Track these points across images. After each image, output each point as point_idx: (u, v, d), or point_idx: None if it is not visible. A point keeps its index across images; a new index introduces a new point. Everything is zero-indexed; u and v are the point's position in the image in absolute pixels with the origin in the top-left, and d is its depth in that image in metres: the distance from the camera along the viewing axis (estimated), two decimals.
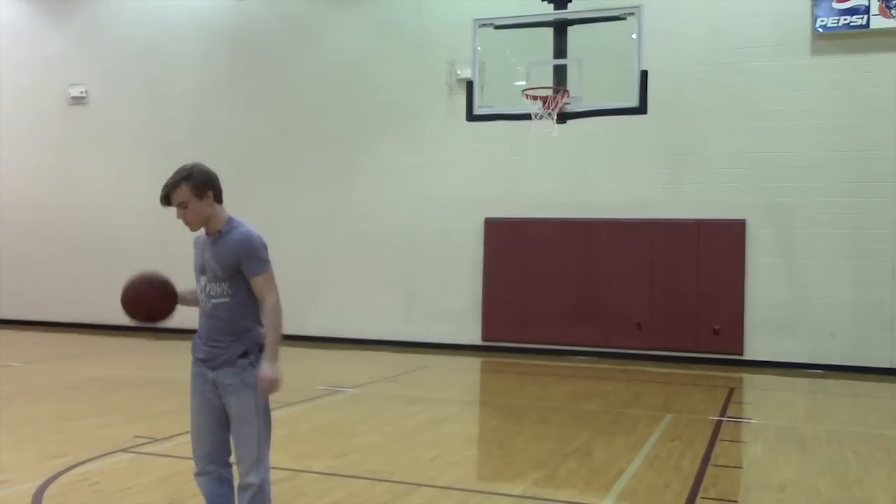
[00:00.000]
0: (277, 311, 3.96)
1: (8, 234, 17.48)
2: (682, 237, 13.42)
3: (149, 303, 4.01)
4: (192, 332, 4.13)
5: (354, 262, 15.21)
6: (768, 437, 7.90)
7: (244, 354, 3.95)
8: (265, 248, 3.97)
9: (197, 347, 4.06)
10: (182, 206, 3.89)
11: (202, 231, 4.06)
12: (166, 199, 3.94)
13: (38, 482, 5.68)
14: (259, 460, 3.95)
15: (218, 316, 3.96)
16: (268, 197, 15.00)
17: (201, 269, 4.01)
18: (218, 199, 3.98)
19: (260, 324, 4.00)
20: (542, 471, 6.44)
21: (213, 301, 3.97)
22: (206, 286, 3.99)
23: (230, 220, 4.01)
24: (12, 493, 5.47)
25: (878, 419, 9.55)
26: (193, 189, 3.88)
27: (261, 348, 4.02)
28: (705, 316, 13.18)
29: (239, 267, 3.93)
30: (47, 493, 5.47)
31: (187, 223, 3.95)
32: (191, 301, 4.14)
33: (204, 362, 3.98)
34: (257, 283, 3.94)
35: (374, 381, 11.01)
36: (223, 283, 3.94)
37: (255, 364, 3.96)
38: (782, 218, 13.04)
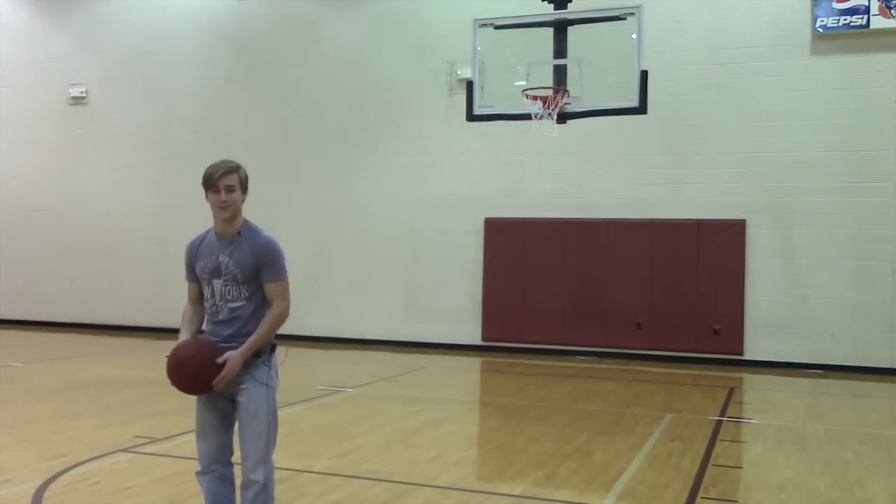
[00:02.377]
0: (281, 319, 4.01)
1: (8, 234, 17.48)
2: (682, 237, 13.42)
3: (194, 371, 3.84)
4: None
5: (354, 262, 15.21)
6: (768, 437, 7.90)
7: (257, 353, 3.97)
8: (285, 259, 4.05)
9: None
10: (230, 190, 3.95)
11: (205, 235, 4.08)
12: (218, 178, 3.93)
13: (38, 482, 5.69)
14: (265, 459, 3.97)
15: (235, 318, 3.96)
16: (268, 197, 14.97)
17: (214, 273, 3.98)
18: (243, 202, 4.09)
19: None
20: (542, 471, 6.45)
21: (230, 305, 3.96)
22: (221, 290, 3.97)
23: (246, 223, 4.07)
24: (12, 493, 5.47)
25: (878, 419, 9.55)
26: (241, 181, 4.01)
27: (273, 348, 4.06)
28: (705, 316, 13.18)
29: (258, 271, 3.95)
30: (47, 493, 5.47)
31: (227, 207, 3.94)
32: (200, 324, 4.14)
33: None
34: (272, 288, 3.98)
35: (374, 381, 11.01)
36: (241, 286, 3.95)
37: (267, 363, 4.01)
38: (782, 218, 13.04)
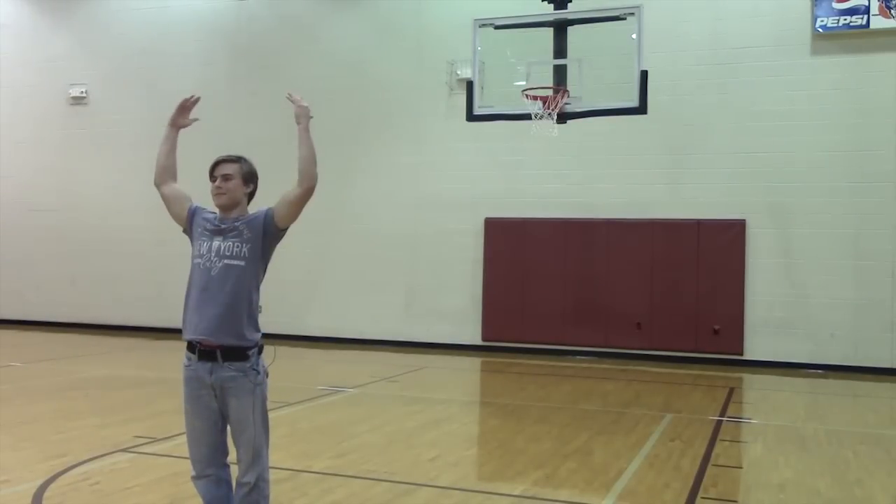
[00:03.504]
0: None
1: (8, 234, 17.47)
2: (682, 237, 13.41)
3: None
4: None
5: (354, 262, 15.21)
6: (768, 437, 7.90)
7: (245, 357, 3.92)
8: None
9: (192, 330, 3.94)
10: (226, 179, 4.01)
11: (211, 215, 4.08)
12: (215, 167, 4.05)
13: (38, 482, 5.68)
14: (256, 461, 3.96)
15: (224, 279, 3.88)
16: (267, 197, 14.91)
17: (217, 233, 3.96)
18: (251, 196, 4.13)
19: (258, 329, 3.99)
20: (542, 471, 6.45)
21: (225, 261, 3.90)
22: (219, 247, 3.92)
23: (248, 212, 4.11)
24: (12, 493, 5.47)
25: (878, 419, 9.55)
26: (243, 172, 4.06)
27: (260, 350, 4.02)
28: (705, 316, 13.17)
29: (263, 228, 3.95)
30: (47, 493, 5.47)
31: (222, 194, 3.99)
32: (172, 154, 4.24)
33: (201, 358, 3.91)
34: (280, 202, 4.02)
35: (374, 381, 11.01)
36: (245, 245, 3.92)
37: (255, 367, 3.95)
38: (782, 218, 13.04)
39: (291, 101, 4.22)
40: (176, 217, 4.15)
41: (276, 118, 15.78)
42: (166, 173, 4.21)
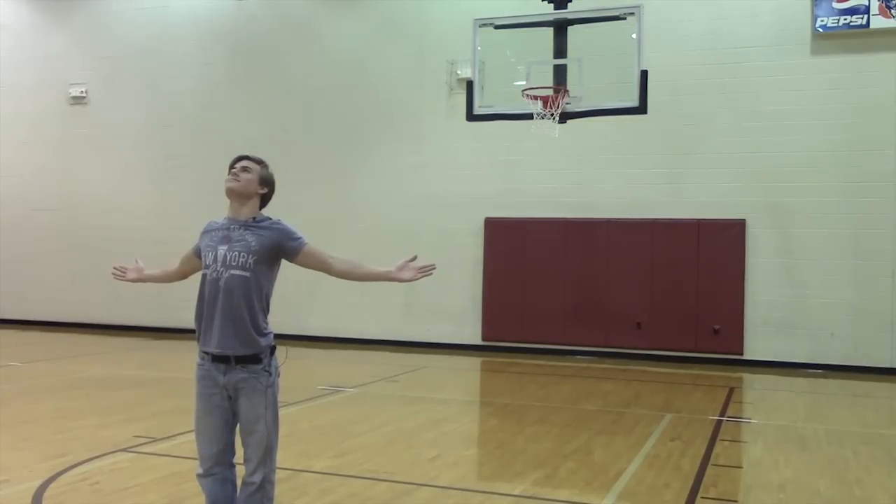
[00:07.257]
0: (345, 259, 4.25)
1: (8, 234, 17.48)
2: (682, 237, 13.42)
3: None
4: (191, 331, 4.12)
5: None
6: (768, 437, 7.90)
7: (258, 360, 3.93)
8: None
9: (204, 342, 3.99)
10: (244, 170, 4.06)
11: (220, 220, 4.10)
12: (236, 160, 4.13)
13: (38, 482, 5.68)
14: (265, 461, 3.96)
15: (231, 290, 3.88)
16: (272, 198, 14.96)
17: (223, 240, 3.96)
18: (264, 201, 4.16)
19: (269, 332, 4.00)
20: (542, 471, 6.45)
21: (231, 272, 3.90)
22: (225, 256, 3.92)
23: (262, 215, 4.13)
24: (12, 492, 5.47)
25: (878, 419, 9.55)
26: (260, 173, 4.11)
27: (272, 351, 4.02)
28: (705, 316, 13.18)
29: (276, 250, 3.98)
30: (47, 493, 5.47)
31: (235, 181, 4.02)
32: (158, 278, 4.49)
33: (214, 360, 3.92)
34: (310, 251, 4.09)
35: (374, 381, 11.01)
36: (250, 257, 3.92)
37: (267, 368, 3.97)
38: (782, 218, 13.04)
39: (417, 268, 4.22)
40: (199, 266, 4.20)
41: (276, 118, 15.84)
42: (169, 277, 4.46)
